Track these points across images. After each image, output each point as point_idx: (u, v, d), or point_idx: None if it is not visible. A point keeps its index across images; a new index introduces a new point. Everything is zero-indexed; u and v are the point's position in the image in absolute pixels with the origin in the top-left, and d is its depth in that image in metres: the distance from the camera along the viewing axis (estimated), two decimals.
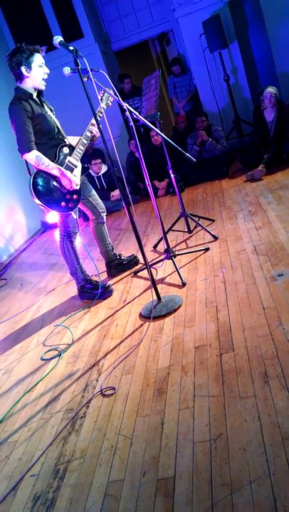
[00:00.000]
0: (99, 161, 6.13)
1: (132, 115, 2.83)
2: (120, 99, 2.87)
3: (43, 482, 1.79)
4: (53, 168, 2.93)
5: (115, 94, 2.82)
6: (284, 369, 1.86)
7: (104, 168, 6.25)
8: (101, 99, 3.12)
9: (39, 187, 2.92)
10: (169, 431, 1.79)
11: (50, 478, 1.80)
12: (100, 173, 6.21)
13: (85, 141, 3.10)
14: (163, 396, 2.01)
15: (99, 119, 3.03)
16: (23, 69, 2.88)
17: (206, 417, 1.78)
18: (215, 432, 1.69)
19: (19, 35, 6.83)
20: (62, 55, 6.45)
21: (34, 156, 2.86)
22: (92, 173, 6.16)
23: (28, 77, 2.91)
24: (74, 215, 3.20)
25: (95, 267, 3.44)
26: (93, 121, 3.00)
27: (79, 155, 3.10)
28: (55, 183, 2.98)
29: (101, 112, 3.11)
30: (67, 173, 2.98)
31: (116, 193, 6.20)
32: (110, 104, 3.21)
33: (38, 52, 2.94)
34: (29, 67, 2.89)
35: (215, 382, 1.96)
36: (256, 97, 6.01)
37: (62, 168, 2.98)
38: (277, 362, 1.93)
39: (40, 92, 3.07)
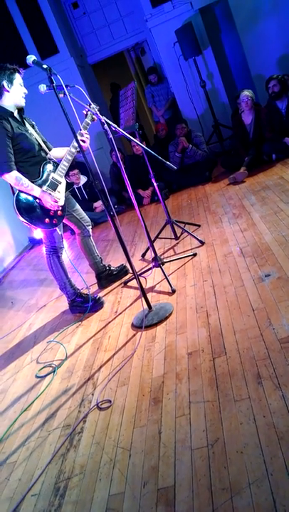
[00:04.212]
0: (76, 171, 6.15)
1: (110, 127, 2.86)
2: (98, 113, 2.90)
3: (44, 501, 1.78)
4: (32, 189, 2.94)
5: (94, 109, 2.86)
6: (276, 369, 1.88)
7: (83, 179, 6.27)
8: (86, 114, 3.14)
9: (22, 204, 2.92)
10: (166, 439, 1.79)
11: (51, 496, 1.79)
12: (80, 184, 6.23)
13: (70, 157, 3.10)
14: (159, 405, 2.01)
15: (85, 131, 3.07)
16: (4, 83, 2.90)
17: (202, 422, 1.79)
18: (212, 437, 1.70)
19: None
20: (40, 71, 6.47)
21: (14, 177, 2.87)
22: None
23: (8, 91, 2.93)
24: (59, 230, 3.21)
25: (85, 281, 3.45)
26: (79, 136, 3.00)
27: (63, 171, 3.11)
28: (38, 201, 2.98)
29: (88, 123, 3.13)
30: (46, 195, 2.98)
31: (98, 204, 6.23)
32: (95, 118, 3.21)
33: (19, 72, 2.98)
34: (11, 83, 2.92)
35: (209, 387, 1.97)
36: (233, 101, 6.09)
37: (44, 188, 2.98)
38: (269, 362, 1.94)
39: (21, 110, 3.09)
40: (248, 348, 2.11)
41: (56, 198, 3.02)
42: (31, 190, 2.93)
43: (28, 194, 2.94)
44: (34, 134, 3.12)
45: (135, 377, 2.30)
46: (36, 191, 2.95)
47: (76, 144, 2.98)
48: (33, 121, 3.26)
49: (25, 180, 2.90)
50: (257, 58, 6.73)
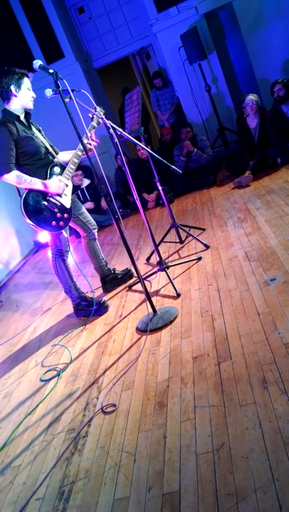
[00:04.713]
0: (79, 172, 6.18)
1: (115, 132, 2.87)
2: (104, 117, 2.92)
3: (49, 505, 1.77)
4: (35, 183, 2.95)
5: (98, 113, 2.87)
6: (282, 374, 1.87)
7: (86, 181, 6.29)
8: (92, 118, 3.15)
9: (30, 207, 2.93)
10: (171, 444, 1.78)
11: (56, 500, 1.78)
12: (82, 186, 6.25)
13: (76, 160, 3.12)
14: (164, 409, 2.00)
15: (90, 134, 3.08)
16: (12, 88, 2.93)
17: (207, 427, 1.78)
18: (217, 442, 1.69)
19: (0, 58, 6.91)
20: (45, 76, 6.51)
21: (14, 176, 2.88)
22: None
23: (16, 96, 2.96)
24: (65, 233, 3.22)
25: (90, 284, 3.45)
26: (85, 140, 3.02)
27: (70, 174, 3.13)
28: (45, 203, 2.99)
29: (94, 126, 3.15)
30: (51, 181, 3.00)
31: (105, 203, 6.26)
32: (101, 122, 3.22)
33: (27, 76, 3.01)
34: (19, 88, 2.95)
35: (215, 392, 1.96)
36: (238, 105, 6.10)
37: (45, 181, 2.99)
38: (274, 367, 1.93)
39: (27, 114, 3.11)
40: (253, 352, 2.10)
41: (62, 201, 3.04)
42: (35, 183, 2.95)
43: (36, 196, 2.94)
44: (40, 138, 3.14)
45: (140, 381, 2.30)
46: (40, 184, 2.96)
47: (82, 147, 3.00)
48: (40, 125, 3.27)
49: (27, 177, 2.92)
50: (262, 62, 6.74)
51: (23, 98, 2.99)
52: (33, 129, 3.13)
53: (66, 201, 3.10)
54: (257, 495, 1.41)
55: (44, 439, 2.20)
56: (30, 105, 3.06)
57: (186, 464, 1.65)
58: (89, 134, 3.10)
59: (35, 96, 3.07)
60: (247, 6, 6.50)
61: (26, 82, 3.00)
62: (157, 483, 1.63)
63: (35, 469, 2.02)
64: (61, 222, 3.06)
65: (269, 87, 5.44)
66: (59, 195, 3.05)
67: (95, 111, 2.99)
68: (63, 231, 3.17)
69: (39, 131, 3.21)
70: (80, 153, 3.11)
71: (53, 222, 3.02)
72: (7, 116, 2.97)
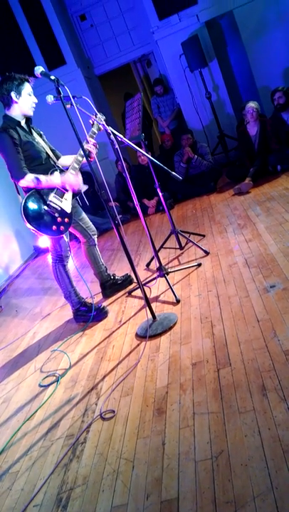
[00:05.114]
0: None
1: (116, 138, 2.88)
2: (105, 124, 2.94)
3: None
4: (52, 181, 3.00)
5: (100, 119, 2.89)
6: (281, 381, 1.87)
7: (84, 187, 6.29)
8: (92, 124, 3.17)
9: (30, 211, 2.94)
10: (170, 451, 1.77)
11: (54, 507, 1.77)
12: (82, 191, 6.27)
13: (76, 166, 3.13)
14: (163, 416, 2.00)
15: (92, 140, 3.10)
16: (12, 94, 2.94)
17: (206, 434, 1.77)
18: (216, 449, 1.68)
19: (1, 64, 6.95)
20: (46, 82, 6.55)
21: (31, 180, 2.90)
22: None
23: (16, 102, 2.97)
24: (65, 238, 3.22)
25: (90, 289, 3.45)
26: (85, 145, 3.03)
27: None
28: (45, 207, 3.00)
29: (95, 133, 3.17)
30: (67, 175, 3.04)
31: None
32: (102, 128, 3.23)
33: (28, 81, 3.01)
34: (19, 94, 2.96)
35: (214, 399, 1.95)
36: (239, 112, 6.13)
37: (51, 195, 3.01)
38: (274, 374, 1.93)
39: (28, 119, 3.12)
40: (252, 359, 2.10)
41: (63, 206, 3.05)
42: (51, 181, 3.00)
43: (36, 201, 2.95)
44: (41, 143, 3.15)
45: (139, 387, 2.29)
46: (56, 179, 3.01)
47: (82, 153, 3.01)
48: (42, 129, 3.29)
49: (42, 177, 2.95)
50: (262, 70, 6.78)
51: (23, 104, 2.99)
52: (34, 134, 3.14)
53: (66, 206, 3.11)
54: (256, 503, 1.41)
55: (42, 445, 2.19)
56: (30, 112, 3.06)
57: (185, 471, 1.65)
58: (90, 140, 3.11)
59: (36, 101, 3.07)
60: (248, 14, 6.55)
61: (27, 88, 3.00)
62: (155, 491, 1.62)
63: (33, 475, 2.01)
64: (61, 227, 3.07)
65: (269, 94, 5.48)
66: (60, 199, 3.06)
67: (96, 117, 3.01)
68: (64, 236, 3.17)
69: (40, 136, 3.22)
70: (80, 158, 3.12)
71: (54, 227, 3.02)
72: (8, 122, 2.98)
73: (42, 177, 2.95)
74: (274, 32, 6.59)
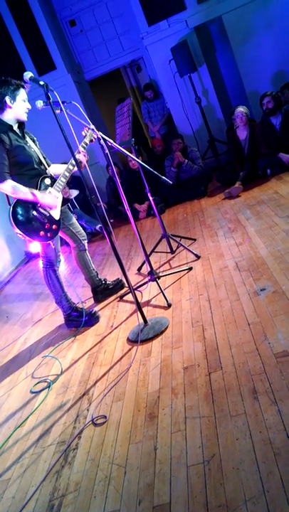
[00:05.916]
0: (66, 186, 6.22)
1: (106, 143, 2.89)
2: (95, 129, 2.94)
3: None
4: (29, 194, 2.94)
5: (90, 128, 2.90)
6: (272, 384, 1.88)
7: (74, 192, 6.29)
8: (85, 135, 3.16)
9: (18, 216, 2.93)
10: (162, 456, 1.77)
11: None
12: (71, 197, 6.26)
13: (67, 174, 3.13)
14: (154, 420, 1.99)
15: (84, 150, 3.09)
16: (7, 99, 2.93)
17: (198, 438, 1.77)
18: (208, 453, 1.68)
19: None
20: (37, 87, 6.56)
21: (9, 186, 2.88)
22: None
23: (10, 107, 2.96)
24: (54, 244, 3.21)
25: (79, 295, 3.44)
26: (77, 155, 3.03)
27: (60, 187, 3.12)
28: (34, 213, 2.99)
29: (86, 143, 3.15)
30: (45, 195, 3.00)
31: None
32: (94, 139, 3.21)
33: (24, 88, 3.01)
34: (13, 99, 2.95)
35: (205, 403, 1.95)
36: (228, 117, 6.17)
37: (38, 192, 2.99)
38: (265, 377, 1.94)
39: (22, 124, 3.12)
40: (243, 362, 2.11)
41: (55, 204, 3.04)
42: (29, 195, 2.94)
43: (25, 206, 2.94)
44: (34, 148, 3.14)
45: (131, 392, 2.29)
46: (32, 196, 2.95)
47: (74, 162, 3.01)
48: (35, 136, 3.28)
49: (22, 187, 2.91)
50: (251, 75, 6.85)
51: (17, 110, 2.99)
52: (27, 138, 3.13)
53: (55, 213, 3.10)
54: (247, 506, 1.41)
55: (34, 451, 2.18)
56: (24, 117, 3.06)
57: (177, 475, 1.65)
58: (81, 150, 3.10)
59: (30, 107, 3.07)
60: (236, 20, 6.61)
61: (22, 94, 3.00)
62: (148, 496, 1.62)
63: (24, 483, 1.99)
64: (49, 234, 3.05)
65: (258, 99, 5.52)
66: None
67: (88, 130, 3.01)
68: (53, 242, 3.16)
69: (33, 141, 3.21)
70: (71, 167, 3.12)
71: (41, 233, 3.01)
72: None
73: (22, 187, 2.92)
74: (262, 37, 6.66)
